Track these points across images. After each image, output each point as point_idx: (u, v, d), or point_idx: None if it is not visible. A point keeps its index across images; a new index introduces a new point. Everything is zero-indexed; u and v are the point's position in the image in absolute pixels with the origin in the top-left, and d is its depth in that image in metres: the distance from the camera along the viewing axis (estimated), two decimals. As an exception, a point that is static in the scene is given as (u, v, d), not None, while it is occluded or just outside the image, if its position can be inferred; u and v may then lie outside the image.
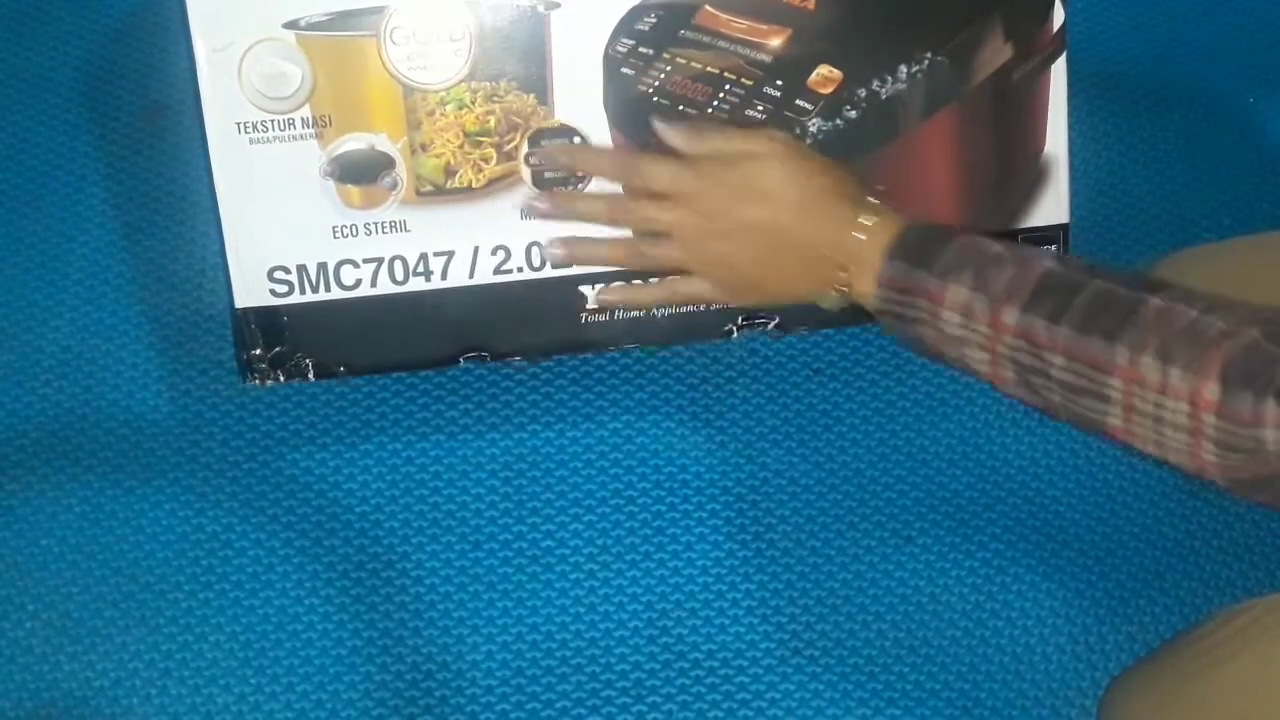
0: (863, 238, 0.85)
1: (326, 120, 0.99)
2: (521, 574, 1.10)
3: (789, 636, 1.08)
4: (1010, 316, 0.77)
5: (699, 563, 1.10)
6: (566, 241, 0.98)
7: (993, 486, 1.15)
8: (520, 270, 1.02)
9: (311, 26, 0.97)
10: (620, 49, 1.00)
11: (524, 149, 1.01)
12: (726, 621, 1.08)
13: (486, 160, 1.01)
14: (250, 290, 1.03)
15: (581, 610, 1.08)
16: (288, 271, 1.02)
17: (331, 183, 1.00)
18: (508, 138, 1.00)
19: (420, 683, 1.05)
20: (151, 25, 1.36)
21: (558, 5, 0.99)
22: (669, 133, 0.93)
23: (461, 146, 1.00)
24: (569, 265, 1.01)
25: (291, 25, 0.97)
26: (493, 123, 1.00)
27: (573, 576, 1.09)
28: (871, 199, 0.87)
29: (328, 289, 1.02)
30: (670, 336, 1.08)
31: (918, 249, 0.83)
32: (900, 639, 1.08)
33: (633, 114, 1.00)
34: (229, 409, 1.16)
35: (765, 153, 0.89)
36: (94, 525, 1.10)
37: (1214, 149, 1.33)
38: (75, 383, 1.17)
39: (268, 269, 1.02)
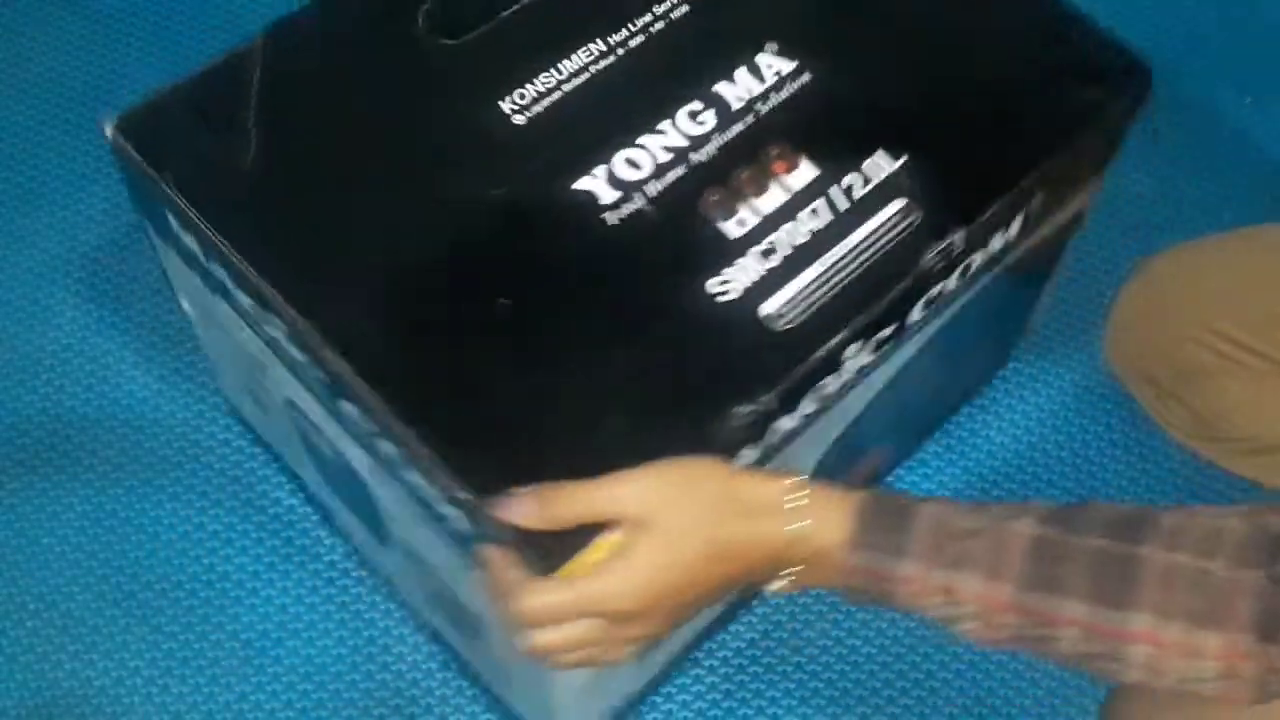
0: (805, 546, 0.72)
1: None
2: (521, 574, 1.10)
3: (789, 636, 1.08)
4: (1004, 594, 0.70)
5: (699, 562, 1.10)
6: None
7: (993, 486, 1.15)
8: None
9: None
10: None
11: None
12: (726, 621, 1.08)
13: None
14: None
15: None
16: None
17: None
18: None
19: (420, 682, 1.05)
20: (151, 25, 1.36)
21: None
22: (505, 511, 0.72)
23: None
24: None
25: None
26: None
27: (573, 576, 1.10)
28: (784, 484, 0.72)
29: None
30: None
31: (880, 535, 0.71)
32: (900, 639, 1.08)
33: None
34: (229, 409, 1.16)
35: (634, 521, 0.71)
36: (94, 525, 1.10)
37: (1214, 149, 1.33)
38: (75, 382, 1.17)
39: None
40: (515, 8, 0.90)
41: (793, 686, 1.06)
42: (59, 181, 1.27)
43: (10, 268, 1.22)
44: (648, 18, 0.90)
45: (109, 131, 0.84)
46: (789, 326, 0.79)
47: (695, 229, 0.82)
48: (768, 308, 0.79)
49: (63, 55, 1.34)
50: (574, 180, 0.83)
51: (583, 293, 0.80)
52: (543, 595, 0.72)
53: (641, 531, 0.70)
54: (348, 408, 0.80)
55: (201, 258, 0.85)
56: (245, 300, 0.83)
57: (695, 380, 0.78)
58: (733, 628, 1.08)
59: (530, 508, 0.71)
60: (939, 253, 0.83)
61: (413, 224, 0.82)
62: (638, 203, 0.83)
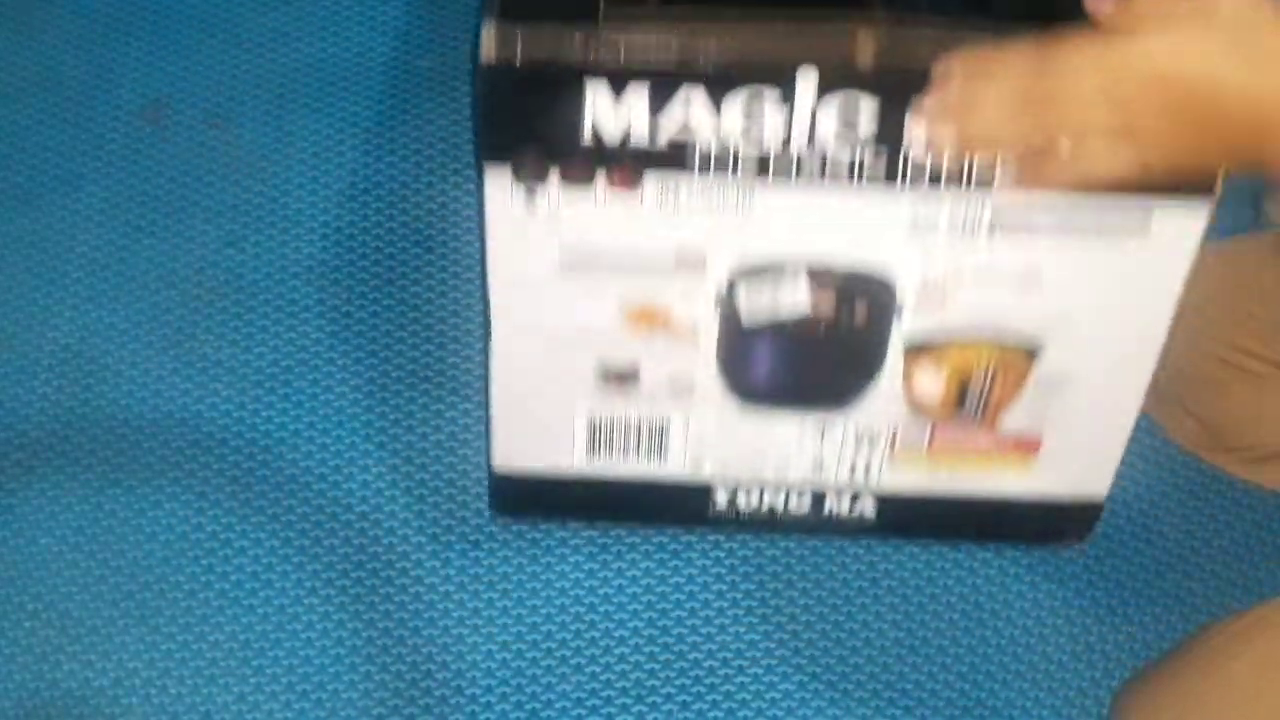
0: None
1: None
2: (521, 574, 1.10)
3: (789, 636, 1.08)
4: None
5: (699, 562, 1.10)
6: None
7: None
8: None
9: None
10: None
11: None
12: (726, 621, 1.08)
13: None
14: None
15: (581, 610, 1.08)
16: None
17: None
18: None
19: (420, 682, 1.05)
20: (152, 25, 1.36)
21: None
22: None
23: None
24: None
25: None
26: None
27: (573, 576, 1.09)
28: None
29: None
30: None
31: None
32: (900, 639, 1.08)
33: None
34: (229, 409, 1.16)
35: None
36: (94, 525, 1.10)
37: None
38: (75, 382, 1.17)
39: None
40: None
41: (793, 686, 1.06)
42: (58, 181, 1.27)
43: (10, 268, 1.22)
44: None
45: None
46: None
47: None
48: None
49: (62, 55, 1.34)
50: None
51: None
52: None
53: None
54: None
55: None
56: None
57: None
58: (732, 629, 1.08)
59: None
60: None
61: None
62: None
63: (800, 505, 0.99)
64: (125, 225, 1.24)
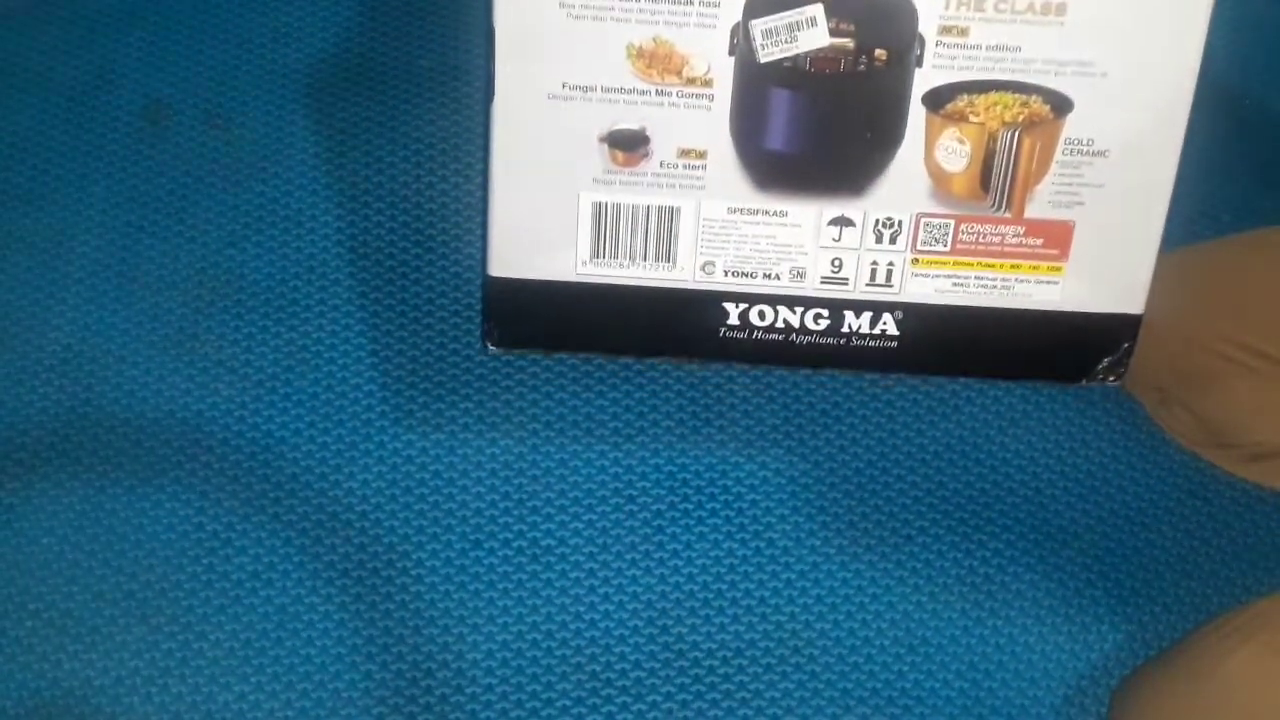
0: None
1: None
2: (521, 574, 1.10)
3: (789, 636, 1.08)
4: None
5: (699, 562, 1.10)
6: None
7: (992, 486, 1.15)
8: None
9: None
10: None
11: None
12: (726, 621, 1.08)
13: None
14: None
15: (581, 610, 1.08)
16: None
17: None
18: None
19: (420, 682, 1.05)
20: (152, 24, 1.36)
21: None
22: None
23: None
24: None
25: None
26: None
27: (573, 576, 1.09)
28: None
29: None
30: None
31: None
32: (900, 639, 1.08)
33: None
34: (229, 409, 1.16)
35: None
36: (94, 525, 1.10)
37: (1212, 149, 1.32)
38: (75, 382, 1.17)
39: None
40: None
41: (792, 686, 1.06)
42: (58, 181, 1.27)
43: (10, 268, 1.22)
44: None
45: None
46: None
47: None
48: None
49: (61, 54, 1.34)
50: None
51: None
52: None
53: None
54: None
55: None
56: None
57: None
58: (732, 628, 1.08)
59: None
60: None
61: None
62: None
63: (818, 322, 0.92)
64: (125, 225, 1.24)
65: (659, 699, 1.05)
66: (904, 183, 0.88)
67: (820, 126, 0.88)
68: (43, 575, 1.08)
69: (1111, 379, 0.97)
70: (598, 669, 1.06)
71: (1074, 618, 1.09)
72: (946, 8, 0.83)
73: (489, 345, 0.97)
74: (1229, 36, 1.40)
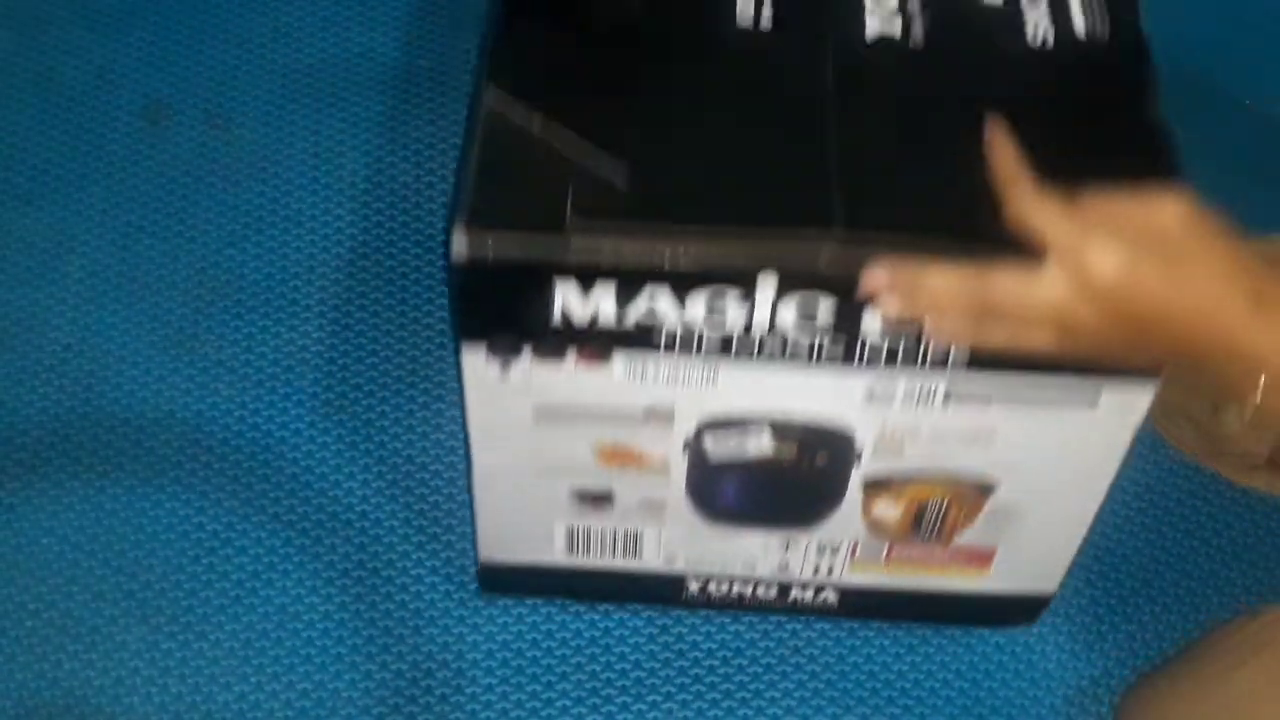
0: None
1: None
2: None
3: (789, 636, 1.08)
4: None
5: (699, 562, 1.10)
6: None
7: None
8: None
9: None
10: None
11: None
12: (726, 620, 1.08)
13: None
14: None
15: (581, 609, 1.08)
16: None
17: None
18: None
19: (420, 682, 1.05)
20: (152, 24, 1.36)
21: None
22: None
23: None
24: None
25: None
26: None
27: (573, 576, 1.10)
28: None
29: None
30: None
31: None
32: (900, 638, 1.08)
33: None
34: (229, 409, 1.16)
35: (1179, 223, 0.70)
36: (94, 525, 1.10)
37: (1212, 150, 1.32)
38: (75, 382, 1.17)
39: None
40: None
41: (792, 686, 1.06)
42: (58, 182, 1.27)
43: (10, 268, 1.22)
44: None
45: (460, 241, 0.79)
46: None
47: None
48: None
49: (62, 55, 1.34)
50: None
51: None
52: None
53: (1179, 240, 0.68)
54: None
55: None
56: None
57: None
58: (732, 628, 1.08)
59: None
60: None
61: None
62: None
63: (768, 594, 1.05)
64: (125, 225, 1.25)
65: (659, 699, 1.05)
66: (843, 523, 0.98)
67: (767, 501, 0.98)
68: (43, 575, 1.08)
69: (1024, 624, 1.09)
70: (598, 669, 1.06)
71: (1074, 618, 1.09)
72: (884, 432, 0.89)
73: (486, 595, 1.09)
74: (1226, 38, 1.40)
